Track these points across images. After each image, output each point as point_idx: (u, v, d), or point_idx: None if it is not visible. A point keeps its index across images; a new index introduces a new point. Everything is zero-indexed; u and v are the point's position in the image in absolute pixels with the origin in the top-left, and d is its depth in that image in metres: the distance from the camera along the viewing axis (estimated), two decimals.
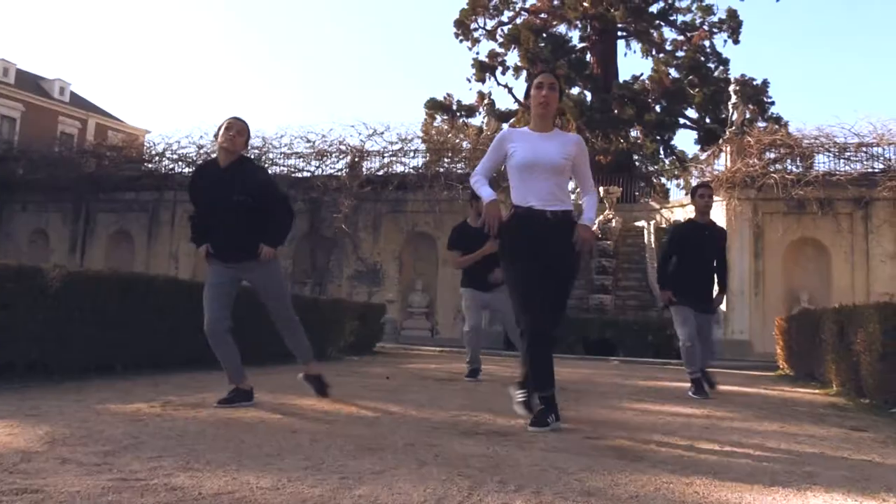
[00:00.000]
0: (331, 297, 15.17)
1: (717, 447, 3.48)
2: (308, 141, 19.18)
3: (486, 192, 3.84)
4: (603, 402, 5.02)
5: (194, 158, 19.33)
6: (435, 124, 24.99)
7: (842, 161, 17.47)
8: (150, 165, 19.71)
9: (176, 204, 19.07)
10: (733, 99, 18.94)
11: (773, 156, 18.11)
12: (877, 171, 16.84)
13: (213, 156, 4.60)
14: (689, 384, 6.16)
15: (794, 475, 2.87)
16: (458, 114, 26.57)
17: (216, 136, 4.37)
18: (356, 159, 18.95)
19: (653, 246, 19.38)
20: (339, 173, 18.85)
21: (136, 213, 19.26)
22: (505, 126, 24.64)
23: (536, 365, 3.82)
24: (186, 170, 19.38)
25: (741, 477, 2.77)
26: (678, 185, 27.78)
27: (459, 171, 18.64)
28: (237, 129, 4.29)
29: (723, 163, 18.69)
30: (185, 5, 79.94)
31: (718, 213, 17.49)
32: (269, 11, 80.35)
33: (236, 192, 4.20)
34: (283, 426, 3.52)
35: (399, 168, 19.31)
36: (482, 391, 5.76)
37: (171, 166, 19.59)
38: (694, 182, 17.14)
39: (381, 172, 19.14)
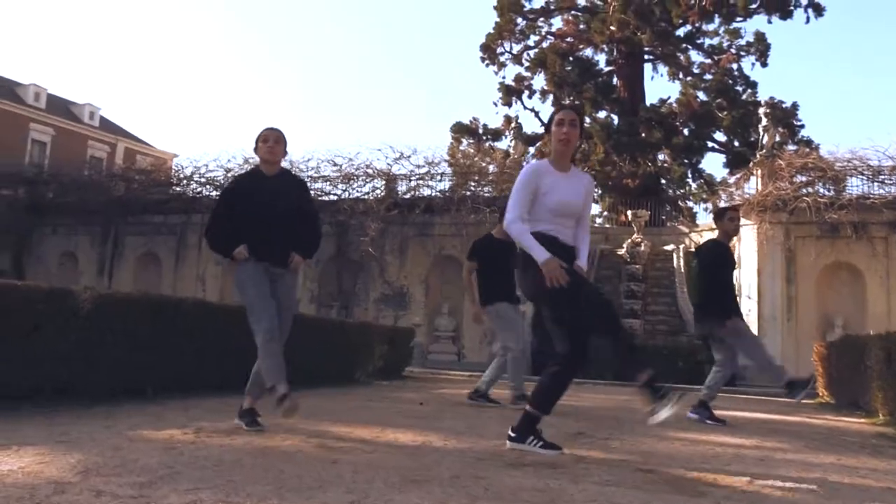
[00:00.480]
0: (357, 320, 15.07)
1: (778, 482, 3.29)
2: (335, 164, 19.22)
3: (540, 255, 3.59)
4: (647, 431, 4.82)
5: (221, 182, 19.41)
6: (461, 148, 24.99)
7: (875, 184, 17.15)
8: (177, 189, 19.84)
9: (203, 227, 19.12)
10: (763, 122, 18.71)
11: (804, 179, 17.82)
12: None
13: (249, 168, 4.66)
14: (725, 412, 6.05)
15: None
16: (485, 137, 26.55)
17: (255, 149, 4.42)
18: (390, 183, 18.93)
19: (682, 270, 19.08)
20: (367, 196, 18.83)
21: (164, 235, 19.35)
22: (532, 150, 24.59)
23: (559, 390, 3.76)
24: (214, 193, 19.46)
25: None
26: (706, 209, 27.49)
27: (487, 194, 18.55)
28: (274, 139, 4.34)
29: (753, 186, 18.44)
30: (214, 31, 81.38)
31: (749, 237, 17.21)
32: (301, 35, 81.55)
33: (284, 200, 4.27)
34: (321, 455, 3.37)
35: (426, 191, 19.26)
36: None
37: (198, 189, 19.69)
38: (722, 205, 16.92)
39: (408, 196, 19.09)
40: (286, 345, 4.33)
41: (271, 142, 4.31)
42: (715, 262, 6.09)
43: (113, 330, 5.20)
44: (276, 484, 2.67)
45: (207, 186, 19.61)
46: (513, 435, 3.77)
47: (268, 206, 4.23)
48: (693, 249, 19.96)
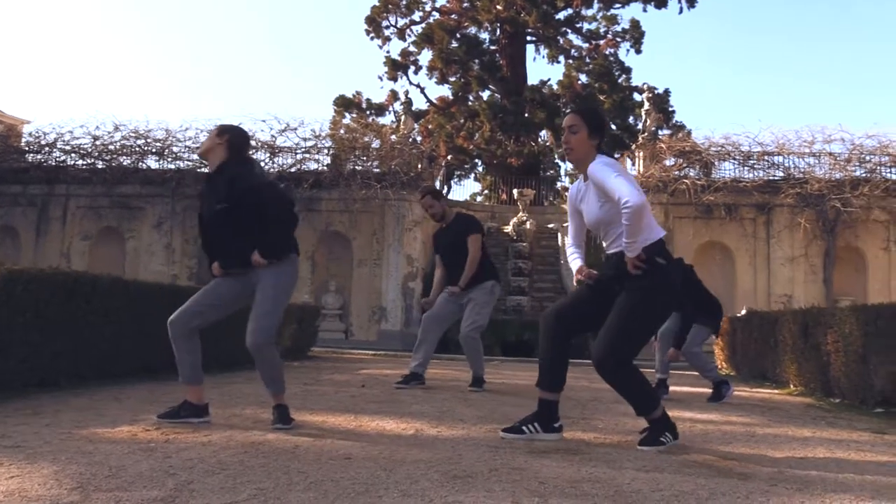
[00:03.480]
0: None
1: (796, 457, 3.26)
2: None
3: (574, 266, 3.69)
4: (618, 410, 4.73)
5: (89, 150, 17.79)
6: (344, 122, 24.32)
7: (746, 169, 18.23)
8: (37, 157, 17.94)
9: (69, 198, 17.48)
10: (646, 105, 19.39)
11: (681, 162, 18.67)
12: (778, 178, 17.63)
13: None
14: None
15: None
16: (368, 112, 25.97)
17: None
18: (274, 156, 18.08)
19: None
20: None
21: (23, 207, 17.48)
22: (416, 126, 24.29)
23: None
24: (81, 162, 17.82)
25: (874, 494, 2.54)
26: None
27: (376, 169, 18.12)
28: (208, 135, 3.98)
29: (632, 168, 19.12)
30: None
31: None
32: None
33: (218, 200, 3.77)
34: (327, 451, 3.00)
35: (312, 165, 18.56)
36: (475, 399, 5.35)
37: (62, 158, 17.91)
38: None
39: (293, 169, 18.32)
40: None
41: (205, 139, 4.01)
42: None
43: (24, 312, 4.49)
44: (315, 490, 2.30)
45: (73, 155, 17.88)
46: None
47: (207, 208, 3.85)
48: None
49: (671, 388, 6.55)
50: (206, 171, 4.08)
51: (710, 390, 6.23)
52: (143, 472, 2.45)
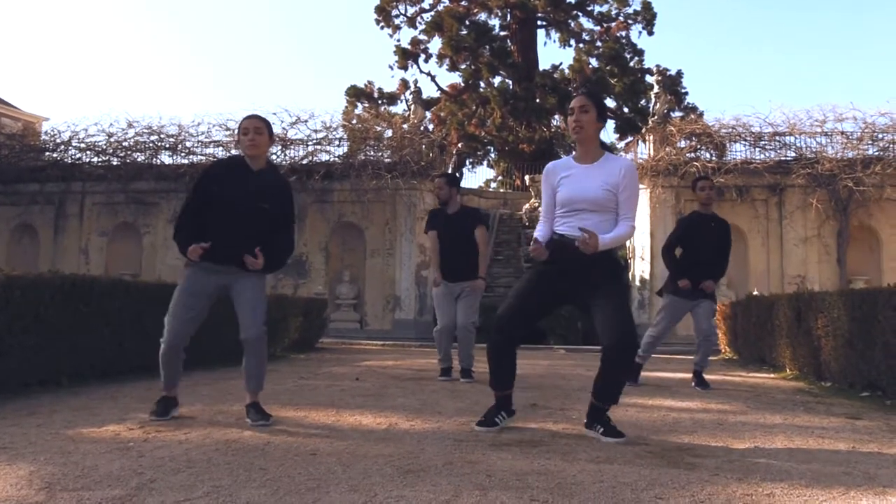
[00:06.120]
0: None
1: (751, 447, 3.36)
2: (227, 129, 18.29)
3: (538, 233, 3.73)
4: None
5: (104, 147, 18.11)
6: (356, 112, 24.45)
7: (757, 150, 18.09)
8: (54, 155, 18.29)
9: (85, 195, 17.84)
10: (655, 88, 19.28)
11: (692, 144, 18.57)
12: (790, 159, 17.50)
13: (231, 154, 4.15)
14: (652, 374, 6.28)
15: (855, 477, 2.77)
16: (380, 101, 26.08)
17: (237, 142, 4.00)
18: (286, 148, 18.25)
19: None
20: None
21: (41, 205, 17.88)
22: (428, 114, 24.37)
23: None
24: (96, 159, 18.14)
25: (810, 482, 2.64)
26: None
27: (387, 159, 18.23)
28: (254, 129, 3.84)
29: (643, 151, 19.06)
30: None
31: (642, 201, 17.82)
32: None
33: (263, 198, 3.83)
34: (295, 447, 3.15)
35: (324, 157, 18.73)
36: (463, 390, 5.51)
37: (78, 156, 18.25)
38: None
39: (305, 161, 18.50)
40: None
41: (251, 133, 3.82)
42: (678, 230, 6.48)
43: (23, 316, 4.69)
44: (269, 487, 2.45)
45: (88, 152, 18.21)
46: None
47: (245, 201, 3.78)
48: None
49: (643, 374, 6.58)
50: (242, 160, 3.92)
51: (690, 375, 6.37)
52: (113, 472, 2.62)
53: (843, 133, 17.14)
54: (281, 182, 4.03)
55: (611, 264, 3.64)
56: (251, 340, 3.84)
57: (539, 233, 3.74)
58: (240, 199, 3.80)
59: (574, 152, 3.80)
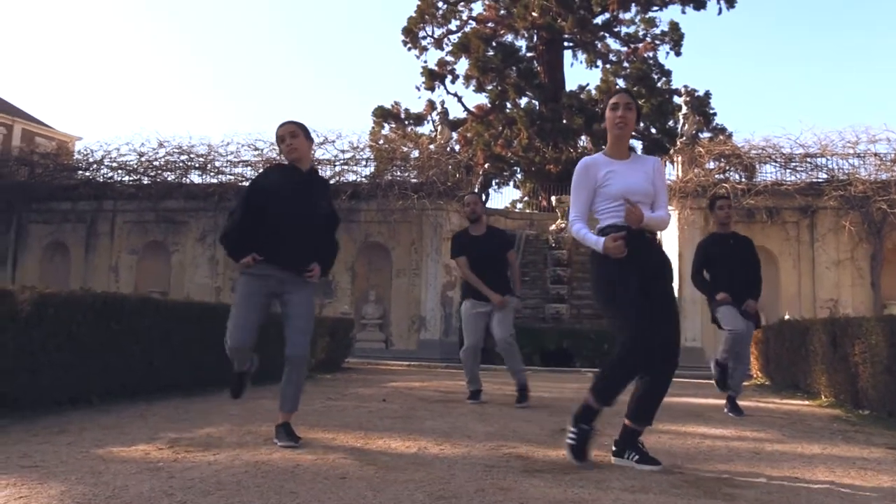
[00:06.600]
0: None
1: (789, 475, 3.26)
2: (256, 149, 18.51)
3: (596, 242, 3.47)
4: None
5: (135, 166, 18.40)
6: (383, 132, 24.60)
7: (788, 171, 17.88)
8: (86, 174, 18.62)
9: (115, 214, 18.11)
10: (684, 109, 19.18)
11: (721, 165, 18.40)
12: (821, 180, 17.26)
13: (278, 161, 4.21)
14: (679, 399, 6.13)
15: None
16: (407, 122, 26.25)
17: (279, 151, 4.05)
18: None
19: None
20: None
21: (73, 223, 18.17)
22: (455, 135, 24.44)
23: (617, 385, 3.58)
24: (127, 178, 18.42)
25: None
26: None
27: (414, 180, 18.29)
28: (290, 134, 3.87)
29: (671, 173, 18.91)
30: (114, 8, 77.23)
31: (671, 222, 17.67)
32: (203, 16, 78.44)
33: (319, 196, 3.91)
34: (325, 470, 3.12)
35: (351, 177, 18.84)
36: (492, 413, 5.44)
37: (109, 175, 18.56)
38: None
39: (332, 181, 18.61)
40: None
41: (287, 139, 3.85)
42: (697, 256, 6.31)
43: (56, 333, 4.73)
44: None
45: (120, 171, 18.51)
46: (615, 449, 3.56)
47: (305, 205, 3.81)
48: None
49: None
50: (289, 166, 3.93)
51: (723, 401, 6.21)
52: (143, 493, 2.60)
53: (876, 154, 16.90)
54: (326, 182, 4.17)
55: (667, 258, 3.66)
56: (297, 359, 3.83)
57: (588, 232, 3.54)
58: (298, 198, 3.82)
59: (604, 149, 3.76)
